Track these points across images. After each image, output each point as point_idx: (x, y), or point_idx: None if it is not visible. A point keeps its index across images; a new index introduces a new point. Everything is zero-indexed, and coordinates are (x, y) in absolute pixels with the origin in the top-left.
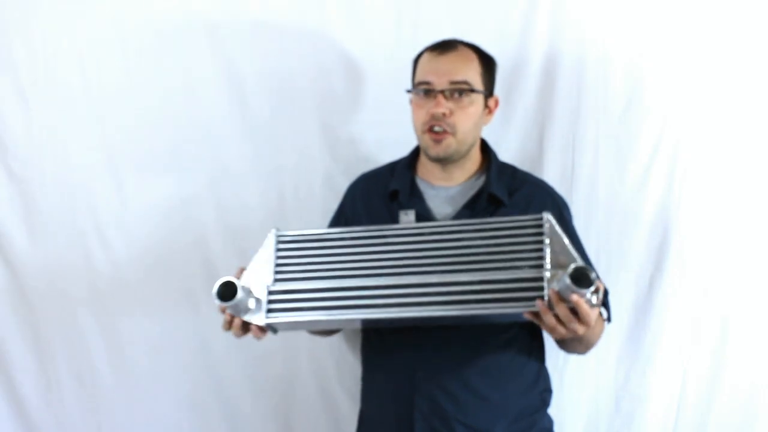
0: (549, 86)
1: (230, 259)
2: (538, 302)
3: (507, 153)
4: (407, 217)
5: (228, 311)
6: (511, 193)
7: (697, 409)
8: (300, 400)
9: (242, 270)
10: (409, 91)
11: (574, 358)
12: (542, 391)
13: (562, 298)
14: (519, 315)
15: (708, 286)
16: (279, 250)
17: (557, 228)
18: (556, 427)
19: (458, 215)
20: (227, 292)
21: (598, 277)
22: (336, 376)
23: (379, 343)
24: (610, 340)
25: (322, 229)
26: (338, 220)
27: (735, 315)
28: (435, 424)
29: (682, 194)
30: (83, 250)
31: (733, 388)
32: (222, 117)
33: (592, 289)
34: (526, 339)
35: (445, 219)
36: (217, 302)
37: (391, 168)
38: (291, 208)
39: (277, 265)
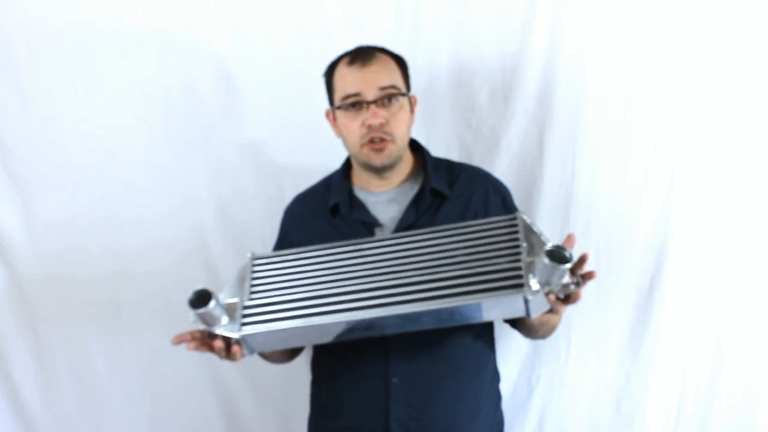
0: (549, 87)
1: (231, 258)
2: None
3: (507, 153)
4: (383, 233)
5: (199, 323)
6: (451, 185)
7: (698, 409)
8: (300, 401)
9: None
10: (337, 108)
11: (574, 359)
12: (497, 385)
13: (548, 284)
14: (496, 308)
15: (708, 286)
16: (254, 272)
17: (530, 223)
18: (556, 427)
19: (405, 215)
20: (200, 301)
21: (572, 256)
22: None
23: (348, 353)
24: (611, 340)
25: (297, 248)
26: (282, 246)
27: (735, 315)
28: (411, 428)
29: (683, 194)
30: (83, 250)
31: (733, 388)
32: (222, 116)
33: (569, 265)
34: (487, 335)
35: (391, 221)
36: (189, 311)
37: (326, 184)
38: None
39: (252, 285)
